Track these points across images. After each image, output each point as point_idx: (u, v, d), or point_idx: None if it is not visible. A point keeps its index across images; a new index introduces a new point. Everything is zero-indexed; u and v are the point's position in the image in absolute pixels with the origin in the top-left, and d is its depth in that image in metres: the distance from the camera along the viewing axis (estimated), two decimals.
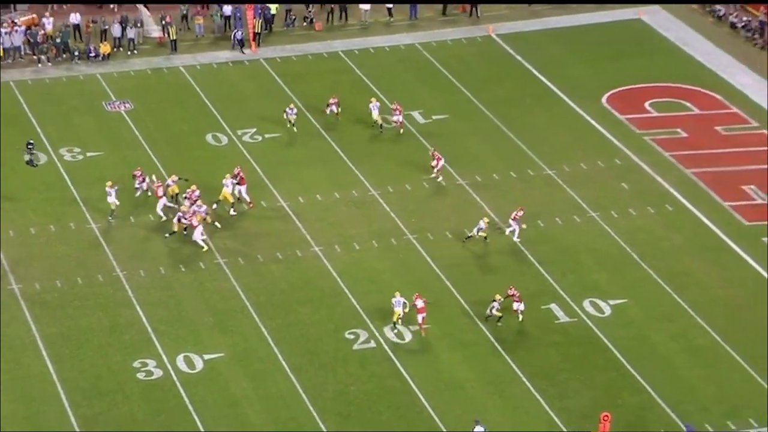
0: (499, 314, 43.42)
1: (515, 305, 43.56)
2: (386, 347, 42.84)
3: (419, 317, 43.08)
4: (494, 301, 43.43)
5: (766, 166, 53.06)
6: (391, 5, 63.79)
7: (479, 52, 62.00)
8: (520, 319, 43.59)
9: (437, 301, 44.43)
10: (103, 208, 48.75)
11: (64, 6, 64.25)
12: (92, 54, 60.08)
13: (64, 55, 60.20)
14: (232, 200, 49.29)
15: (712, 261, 47.49)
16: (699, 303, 45.16)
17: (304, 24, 63.69)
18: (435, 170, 51.06)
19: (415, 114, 55.76)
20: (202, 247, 46.87)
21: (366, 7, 63.72)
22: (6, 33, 59.72)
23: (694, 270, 46.97)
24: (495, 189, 51.21)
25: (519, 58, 61.29)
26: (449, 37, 63.07)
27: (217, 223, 47.97)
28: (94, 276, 45.84)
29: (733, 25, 63.91)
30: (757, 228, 49.35)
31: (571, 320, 44.19)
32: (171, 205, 48.70)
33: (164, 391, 40.79)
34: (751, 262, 47.46)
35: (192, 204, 47.70)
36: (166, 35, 61.23)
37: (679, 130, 55.85)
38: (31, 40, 60.24)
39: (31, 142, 52.39)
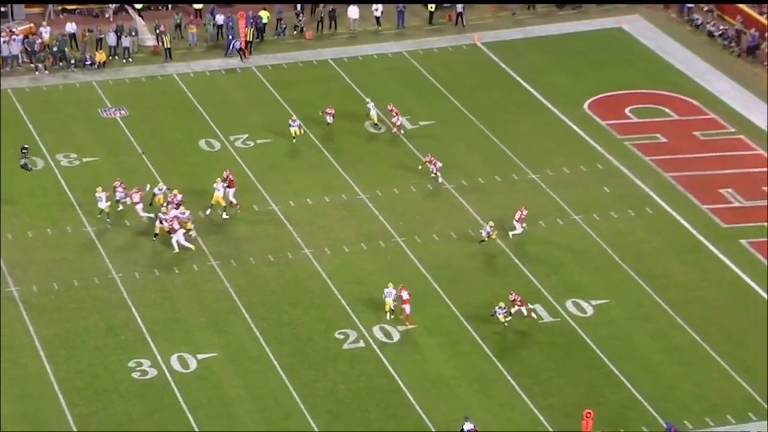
0: (504, 320, 43.26)
1: (524, 310, 43.38)
2: (375, 347, 42.77)
3: (405, 308, 43.30)
4: (498, 307, 43.33)
5: (742, 170, 53.16)
6: (379, 14, 63.73)
7: (465, 60, 61.99)
8: (535, 317, 43.54)
9: (424, 302, 44.40)
10: (105, 210, 48.56)
11: (61, 15, 64.11)
12: (88, 62, 59.95)
13: (61, 64, 60.05)
14: (224, 204, 49.19)
15: (690, 263, 47.51)
16: (678, 303, 45.18)
17: (295, 33, 63.62)
18: (435, 173, 50.96)
19: (403, 120, 55.68)
20: (174, 250, 46.60)
21: (355, 16, 63.68)
22: (4, 42, 59.57)
23: (673, 271, 46.99)
24: (480, 192, 51.18)
25: (503, 65, 61.28)
26: (435, 45, 63.04)
27: (192, 232, 47.49)
28: (90, 278, 45.71)
29: (710, 34, 63.98)
30: (735, 230, 49.39)
31: (555, 320, 44.16)
32: (144, 216, 48.08)
33: (159, 390, 40.67)
34: (728, 263, 47.49)
35: (176, 208, 47.42)
36: (161, 44, 61.11)
37: (658, 135, 55.88)
38: (29, 49, 60.09)
39: (26, 146, 52.25)
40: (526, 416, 40.14)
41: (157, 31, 61.22)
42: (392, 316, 43.69)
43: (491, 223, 47.68)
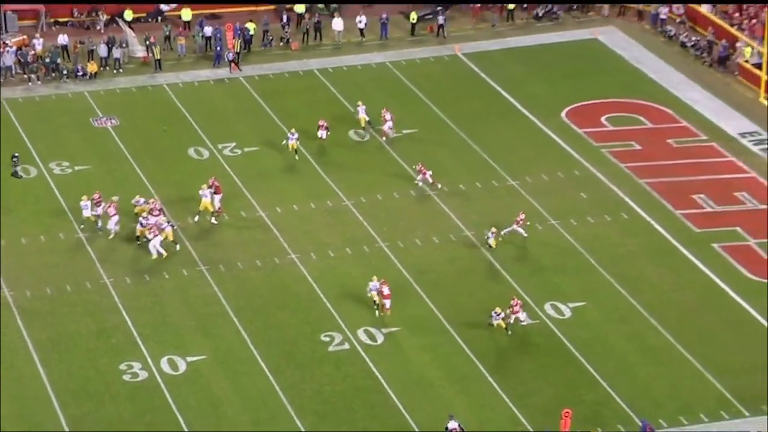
0: (504, 324, 43.32)
1: (521, 316, 43.47)
2: (359, 349, 42.82)
3: (386, 302, 43.63)
4: (494, 312, 43.36)
5: (714, 176, 53.39)
6: (363, 26, 63.84)
7: (446, 70, 62.11)
8: (523, 323, 43.47)
9: (407, 305, 44.48)
10: (90, 219, 48.48)
11: (53, 27, 64.04)
12: (80, 73, 59.87)
13: (53, 74, 59.95)
14: (212, 210, 49.20)
15: (664, 266, 47.67)
16: (652, 305, 45.33)
17: (281, 44, 63.65)
18: (425, 180, 51.08)
19: (385, 128, 55.71)
20: (152, 256, 46.53)
21: (339, 27, 63.78)
22: None
23: (647, 274, 47.15)
24: (461, 198, 51.28)
25: (483, 75, 61.41)
26: (418, 56, 63.15)
27: (174, 243, 47.42)
28: (82, 283, 45.64)
29: (683, 45, 64.23)
30: (707, 234, 49.59)
31: (534, 322, 44.27)
32: (114, 229, 47.76)
33: (149, 392, 40.64)
34: (701, 267, 47.67)
35: (157, 215, 47.29)
36: (150, 55, 61.08)
37: (633, 142, 56.08)
38: (22, 60, 59.98)
39: (16, 154, 52.18)
40: (506, 415, 40.23)
41: (147, 42, 61.18)
42: (378, 308, 43.70)
43: (494, 229, 47.69)
